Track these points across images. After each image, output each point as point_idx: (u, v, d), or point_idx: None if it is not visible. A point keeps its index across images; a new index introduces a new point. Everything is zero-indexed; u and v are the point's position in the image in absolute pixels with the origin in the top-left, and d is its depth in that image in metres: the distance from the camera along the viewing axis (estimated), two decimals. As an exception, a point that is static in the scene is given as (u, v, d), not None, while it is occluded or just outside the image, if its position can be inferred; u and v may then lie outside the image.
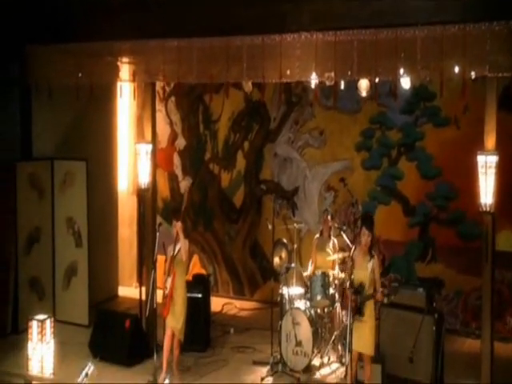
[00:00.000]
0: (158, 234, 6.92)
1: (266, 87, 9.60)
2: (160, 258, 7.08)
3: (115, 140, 10.00)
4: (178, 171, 10.57)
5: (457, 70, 5.74)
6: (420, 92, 8.46)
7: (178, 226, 6.79)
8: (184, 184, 10.52)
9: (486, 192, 5.72)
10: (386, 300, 6.85)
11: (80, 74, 7.58)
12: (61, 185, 8.73)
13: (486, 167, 5.70)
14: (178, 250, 6.76)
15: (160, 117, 9.98)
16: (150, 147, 7.56)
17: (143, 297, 7.59)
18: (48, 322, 6.39)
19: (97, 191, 8.97)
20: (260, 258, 9.91)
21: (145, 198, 7.78)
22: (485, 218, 5.97)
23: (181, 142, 10.56)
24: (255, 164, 9.94)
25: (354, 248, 6.21)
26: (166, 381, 5.61)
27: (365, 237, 6.11)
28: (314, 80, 7.04)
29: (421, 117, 8.69)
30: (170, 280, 6.72)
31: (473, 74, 5.70)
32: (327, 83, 6.88)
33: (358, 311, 5.96)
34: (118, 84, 8.33)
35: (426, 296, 6.49)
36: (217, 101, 10.15)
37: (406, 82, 7.70)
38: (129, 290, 10.03)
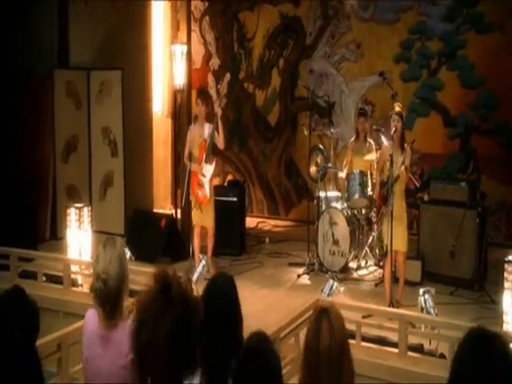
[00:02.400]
0: (192, 125, 6.68)
1: (302, 2, 9.33)
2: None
3: (150, 52, 9.72)
4: (213, 91, 10.29)
5: None
6: (463, -3, 8.03)
7: (202, 109, 6.40)
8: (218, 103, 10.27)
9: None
10: (426, 197, 6.61)
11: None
12: (97, 95, 8.57)
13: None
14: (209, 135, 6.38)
15: (194, 37, 9.66)
16: (185, 48, 7.30)
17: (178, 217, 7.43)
18: (86, 209, 6.33)
19: (132, 103, 8.76)
20: (295, 176, 9.66)
21: (182, 99, 7.53)
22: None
23: (215, 62, 10.27)
24: (290, 81, 9.61)
25: (392, 136, 5.79)
26: (203, 262, 5.44)
27: (394, 122, 5.71)
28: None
29: (463, 24, 8.21)
30: (207, 166, 6.39)
31: None
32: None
33: (385, 201, 5.60)
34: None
35: (468, 190, 6.17)
36: (251, 18, 9.83)
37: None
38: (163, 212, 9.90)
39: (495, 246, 7.51)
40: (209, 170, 6.42)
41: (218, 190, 7.05)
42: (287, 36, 9.58)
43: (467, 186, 6.23)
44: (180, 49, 7.25)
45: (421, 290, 4.57)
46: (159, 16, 10.19)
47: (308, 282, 6.58)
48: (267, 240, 8.23)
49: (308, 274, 6.74)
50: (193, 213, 6.54)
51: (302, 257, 7.18)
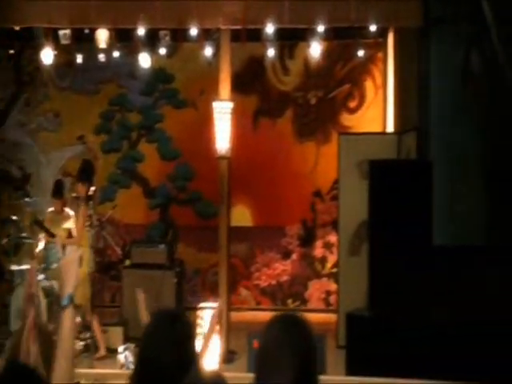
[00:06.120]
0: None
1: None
2: None
3: None
4: None
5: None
6: (159, 74, 8.82)
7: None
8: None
9: (223, 137, 6.10)
10: (127, 262, 6.89)
11: None
12: None
13: (222, 113, 6.10)
14: None
15: None
16: None
17: None
18: None
19: None
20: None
21: None
22: (221, 163, 6.36)
23: None
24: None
25: None
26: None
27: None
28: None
29: (160, 99, 9.01)
30: None
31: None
32: (62, 42, 6.69)
33: None
34: None
35: (167, 252, 6.62)
36: None
37: (145, 61, 7.95)
38: None
39: (192, 310, 8.09)
40: None
41: None
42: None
43: (166, 249, 6.68)
44: None
45: (120, 348, 4.69)
46: None
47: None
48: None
49: None
50: None
51: None
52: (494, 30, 4.10)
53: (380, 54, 8.41)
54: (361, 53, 7.65)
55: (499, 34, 4.08)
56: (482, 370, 4.69)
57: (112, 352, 6.00)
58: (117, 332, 6.28)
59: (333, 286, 8.25)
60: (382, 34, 7.51)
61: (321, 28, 6.31)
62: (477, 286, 5.05)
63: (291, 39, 8.03)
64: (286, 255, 8.91)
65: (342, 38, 7.44)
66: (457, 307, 5.40)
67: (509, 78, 3.67)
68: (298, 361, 1.78)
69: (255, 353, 1.92)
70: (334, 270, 7.96)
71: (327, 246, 8.78)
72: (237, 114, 6.68)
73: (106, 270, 8.17)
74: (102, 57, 7.91)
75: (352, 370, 5.15)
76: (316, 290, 8.87)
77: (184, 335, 2.12)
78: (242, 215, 8.67)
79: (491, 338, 4.99)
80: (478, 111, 4.68)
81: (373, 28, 6.46)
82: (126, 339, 6.40)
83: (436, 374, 4.71)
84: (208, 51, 7.29)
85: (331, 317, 7.48)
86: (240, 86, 8.42)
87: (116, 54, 7.90)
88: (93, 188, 6.35)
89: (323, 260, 8.87)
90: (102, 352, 6.10)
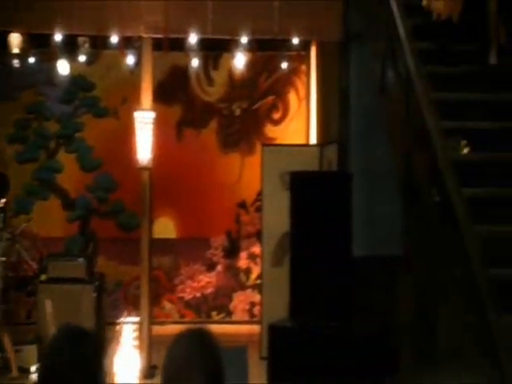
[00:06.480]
0: None
1: None
2: None
3: None
4: None
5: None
6: (79, 81, 8.65)
7: None
8: None
9: (144, 147, 6.06)
10: (43, 277, 6.72)
11: None
12: None
13: (144, 123, 6.06)
14: None
15: None
16: None
17: None
18: None
19: None
20: None
21: None
22: (142, 174, 6.31)
23: None
24: None
25: None
26: None
27: None
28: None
29: (80, 107, 8.83)
30: None
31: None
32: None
33: None
34: None
35: (86, 265, 6.49)
36: None
37: (64, 68, 7.81)
38: None
39: (113, 325, 7.91)
40: None
41: None
42: None
43: (85, 262, 6.55)
44: None
45: (33, 367, 4.57)
46: None
47: None
48: None
49: None
50: None
51: None
52: (407, 45, 4.29)
53: (303, 67, 8.60)
54: (284, 65, 7.80)
55: (412, 50, 4.26)
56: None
57: (25, 372, 5.81)
58: (31, 350, 6.08)
59: (257, 297, 8.29)
60: (304, 47, 7.71)
61: (244, 39, 6.39)
62: (395, 296, 5.21)
63: (215, 50, 8.08)
64: (211, 267, 8.90)
65: (266, 49, 7.53)
66: (376, 317, 5.55)
67: (418, 94, 3.87)
68: (207, 374, 1.81)
69: (163, 366, 1.92)
70: (259, 281, 8.01)
71: (252, 257, 8.84)
72: (159, 124, 6.65)
73: (20, 286, 7.91)
74: (16, 62, 7.71)
75: (273, 381, 5.20)
76: (240, 301, 8.91)
77: (89, 352, 2.09)
78: (165, 227, 8.61)
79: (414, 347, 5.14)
80: (393, 126, 4.86)
81: (296, 41, 6.61)
82: (42, 358, 6.22)
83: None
84: (130, 59, 7.25)
85: (255, 328, 7.53)
86: (163, 95, 8.41)
87: (32, 59, 7.73)
88: (3, 200, 6.13)
89: (248, 271, 8.92)
90: (14, 373, 5.88)
